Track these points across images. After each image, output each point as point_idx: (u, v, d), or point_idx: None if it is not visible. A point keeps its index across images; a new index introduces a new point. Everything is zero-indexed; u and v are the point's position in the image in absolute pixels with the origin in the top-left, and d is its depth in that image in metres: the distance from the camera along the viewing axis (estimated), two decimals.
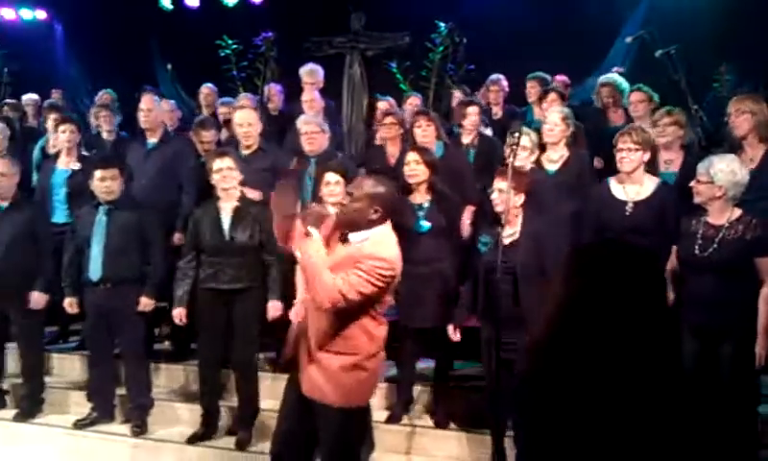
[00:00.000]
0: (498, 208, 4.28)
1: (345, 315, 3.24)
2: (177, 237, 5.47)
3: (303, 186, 5.38)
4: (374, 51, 8.97)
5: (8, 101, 8.34)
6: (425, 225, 4.71)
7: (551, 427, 1.72)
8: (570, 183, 5.02)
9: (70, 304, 5.20)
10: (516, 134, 4.22)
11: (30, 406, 5.45)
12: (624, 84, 6.21)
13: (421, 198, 4.79)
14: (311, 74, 6.94)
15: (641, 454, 1.66)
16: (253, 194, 5.12)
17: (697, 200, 4.20)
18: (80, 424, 5.22)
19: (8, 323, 5.45)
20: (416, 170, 4.75)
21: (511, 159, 4.14)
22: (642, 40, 6.30)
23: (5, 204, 5.36)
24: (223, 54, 9.26)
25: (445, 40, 8.63)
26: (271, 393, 4.98)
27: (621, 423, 1.64)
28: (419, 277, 4.67)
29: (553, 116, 5.25)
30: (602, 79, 6.43)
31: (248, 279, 4.79)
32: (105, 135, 6.66)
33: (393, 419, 4.91)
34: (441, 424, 4.88)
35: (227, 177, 4.79)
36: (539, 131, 5.26)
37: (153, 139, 5.88)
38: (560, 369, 1.70)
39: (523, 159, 4.74)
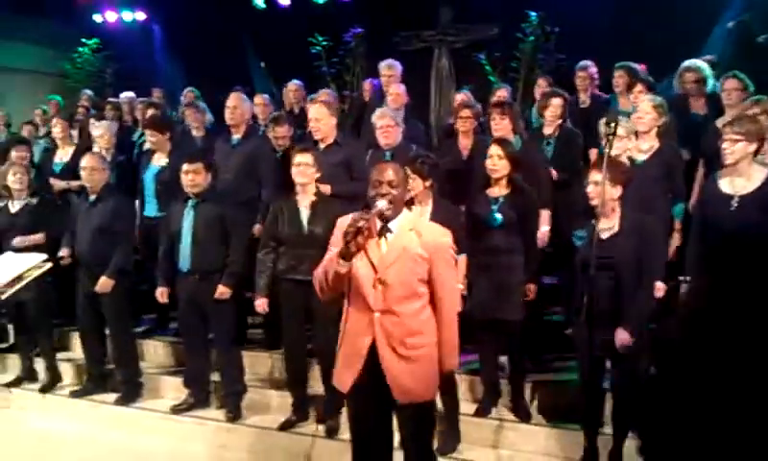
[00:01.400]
0: (594, 202, 4.17)
1: (424, 304, 3.31)
2: (256, 229, 5.59)
3: None
4: (463, 43, 8.93)
5: (110, 99, 8.74)
6: (498, 218, 4.66)
7: (682, 430, 1.66)
8: (658, 176, 4.86)
9: (161, 294, 5.42)
10: (612, 124, 4.00)
11: (129, 391, 5.70)
12: (708, 70, 5.94)
13: (499, 192, 4.73)
14: (390, 68, 6.96)
15: None
16: (324, 188, 5.16)
17: None
18: (177, 409, 5.42)
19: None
20: (497, 164, 4.68)
21: (606, 149, 3.96)
22: (742, 26, 6.00)
23: (93, 196, 5.64)
24: (314, 50, 9.42)
25: (536, 30, 8.51)
26: None
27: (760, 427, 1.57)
28: (489, 269, 4.66)
29: (644, 105, 5.08)
30: (686, 64, 6.13)
31: None
32: (194, 133, 6.87)
33: (481, 412, 4.88)
34: (526, 419, 4.82)
35: (302, 172, 4.86)
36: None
37: (237, 135, 6.02)
38: (698, 371, 1.64)
39: (619, 149, 4.60)
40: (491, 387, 4.95)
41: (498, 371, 5.02)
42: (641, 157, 4.97)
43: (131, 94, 8.52)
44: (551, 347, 5.40)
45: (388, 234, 3.30)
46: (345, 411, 4.88)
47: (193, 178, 5.20)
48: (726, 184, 4.33)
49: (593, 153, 5.78)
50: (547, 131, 5.78)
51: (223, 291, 5.17)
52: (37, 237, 5.83)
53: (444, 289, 3.34)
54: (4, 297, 3.74)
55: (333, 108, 5.85)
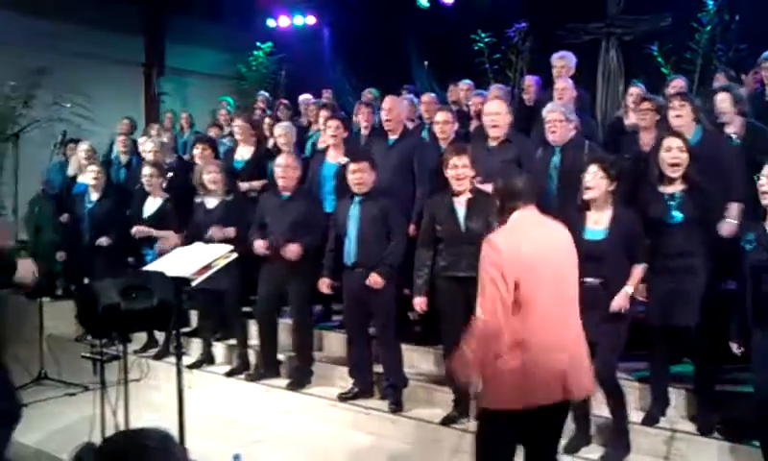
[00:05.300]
0: (765, 201, 3.89)
1: None
2: (411, 228, 5.62)
3: (547, 177, 5.26)
4: (632, 35, 8.59)
5: (283, 101, 9.18)
6: (677, 216, 4.44)
7: None
8: None
9: (326, 285, 5.63)
10: None
11: (300, 378, 6.00)
12: None
13: (674, 188, 4.49)
14: (561, 60, 6.78)
15: None
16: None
17: None
18: (342, 397, 5.63)
19: (283, 300, 6.03)
20: (680, 157, 4.45)
21: None
22: None
23: (287, 193, 5.94)
24: (476, 47, 9.41)
25: (713, 19, 8.02)
26: None
27: None
28: (670, 271, 4.45)
29: None
30: None
31: None
32: (362, 131, 7.06)
33: (649, 420, 4.71)
34: (703, 431, 4.58)
35: (460, 176, 4.87)
36: None
37: (393, 136, 6.13)
38: None
39: None
40: (660, 396, 4.76)
41: (669, 379, 4.82)
42: None
43: (308, 96, 8.76)
44: (728, 356, 5.10)
45: None
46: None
47: (359, 176, 5.38)
48: None
49: None
50: (728, 128, 5.33)
51: (376, 280, 5.27)
52: (229, 231, 6.05)
53: None
54: (194, 284, 4.05)
55: (509, 105, 5.78)
